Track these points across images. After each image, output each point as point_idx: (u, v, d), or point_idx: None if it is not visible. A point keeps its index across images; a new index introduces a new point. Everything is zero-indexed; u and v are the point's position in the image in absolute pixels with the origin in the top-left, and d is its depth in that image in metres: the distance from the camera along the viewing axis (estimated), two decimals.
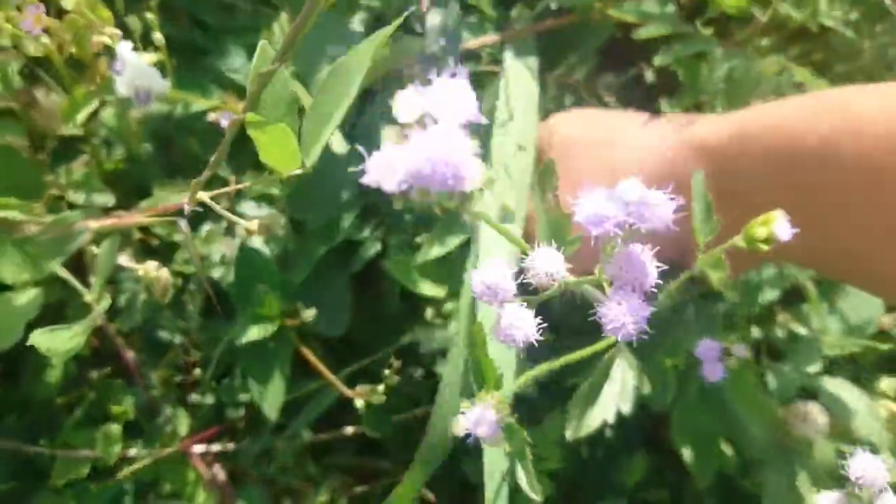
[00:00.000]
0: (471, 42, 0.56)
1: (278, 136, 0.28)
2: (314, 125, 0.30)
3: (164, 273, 0.32)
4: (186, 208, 0.29)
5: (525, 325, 0.22)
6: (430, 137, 0.22)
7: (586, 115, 0.51)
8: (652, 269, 0.23)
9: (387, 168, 0.23)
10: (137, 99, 0.34)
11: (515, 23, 0.59)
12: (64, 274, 0.34)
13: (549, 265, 0.23)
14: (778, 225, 0.30)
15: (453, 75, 0.24)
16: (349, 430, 0.56)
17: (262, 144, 0.29)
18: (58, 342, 0.31)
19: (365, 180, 0.23)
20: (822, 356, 0.58)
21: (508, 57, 0.56)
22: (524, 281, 0.24)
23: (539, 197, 0.30)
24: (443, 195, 0.23)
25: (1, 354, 0.54)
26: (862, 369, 0.64)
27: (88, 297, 0.33)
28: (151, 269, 0.32)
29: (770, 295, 0.58)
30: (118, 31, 0.34)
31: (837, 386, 0.52)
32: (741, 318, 0.57)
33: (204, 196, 0.34)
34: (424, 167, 0.22)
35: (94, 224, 0.33)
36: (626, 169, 0.42)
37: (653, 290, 0.23)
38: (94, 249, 0.33)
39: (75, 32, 0.32)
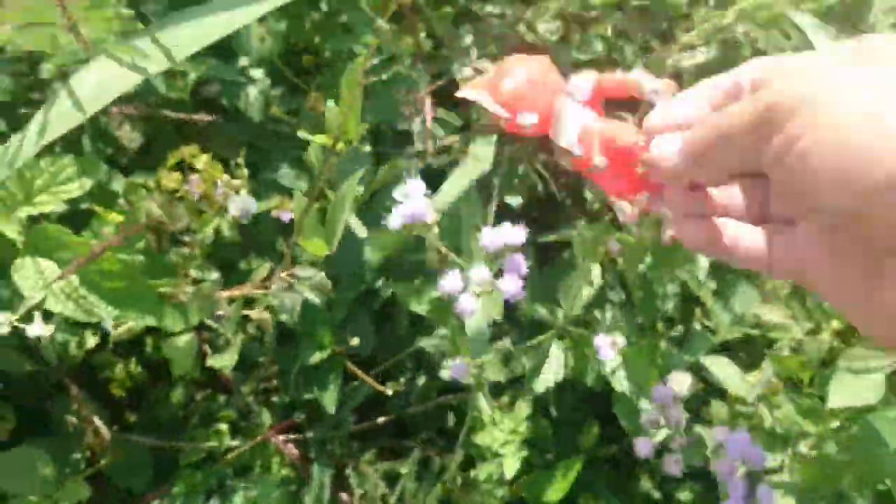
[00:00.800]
0: (445, 139, 0.80)
1: (316, 244, 0.53)
2: (330, 227, 0.54)
3: (266, 314, 0.56)
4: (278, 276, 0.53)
5: (473, 307, 0.46)
6: (410, 203, 0.46)
7: None
8: (524, 267, 0.47)
9: (394, 219, 0.47)
10: (242, 216, 0.58)
11: (476, 123, 0.83)
12: (211, 323, 0.57)
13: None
14: None
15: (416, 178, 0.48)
16: (381, 420, 0.79)
17: (308, 247, 0.53)
18: (224, 361, 0.54)
19: (391, 225, 0.47)
20: (717, 342, 0.80)
21: (472, 146, 0.80)
22: None
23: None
24: (416, 226, 0.47)
25: (130, 390, 0.78)
26: (755, 351, 0.87)
27: (229, 334, 0.56)
28: (258, 313, 0.56)
29: (669, 304, 0.80)
30: (229, 178, 0.58)
31: (715, 361, 0.75)
32: (647, 321, 0.79)
33: (283, 275, 0.58)
34: (409, 214, 0.46)
35: (225, 293, 0.57)
36: None
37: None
38: (226, 307, 0.57)
39: (206, 181, 0.56)
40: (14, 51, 0.44)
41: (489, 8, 0.89)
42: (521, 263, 0.48)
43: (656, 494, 0.90)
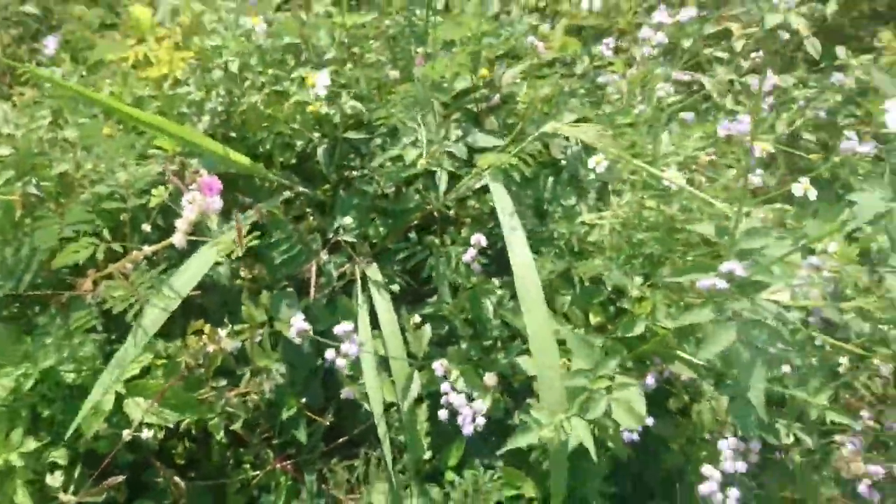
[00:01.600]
0: (341, 269, 1.33)
1: (266, 360, 1.07)
2: (268, 352, 1.08)
3: (257, 397, 1.09)
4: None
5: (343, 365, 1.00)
6: (297, 324, 1.00)
7: None
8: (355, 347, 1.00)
9: (291, 333, 1.01)
10: (232, 351, 1.12)
11: (360, 253, 1.36)
12: (232, 410, 1.10)
13: None
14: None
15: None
16: (340, 440, 1.32)
17: (260, 363, 1.07)
18: (238, 425, 1.08)
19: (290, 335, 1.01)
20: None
21: (359, 271, 1.33)
22: None
23: None
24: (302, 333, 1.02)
25: (186, 457, 1.30)
26: None
27: (240, 413, 1.09)
28: (253, 399, 1.09)
29: (496, 332, 1.34)
30: (224, 333, 1.10)
31: (522, 359, 1.28)
32: (487, 343, 1.33)
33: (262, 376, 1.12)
34: (298, 329, 1.00)
35: (233, 392, 1.10)
36: None
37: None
38: (234, 402, 1.09)
39: (210, 339, 1.09)
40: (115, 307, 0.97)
41: (355, 173, 1.43)
42: (354, 341, 1.01)
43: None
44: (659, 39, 1.13)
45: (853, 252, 1.03)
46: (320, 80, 1.19)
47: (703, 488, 0.95)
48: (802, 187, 0.99)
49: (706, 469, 0.97)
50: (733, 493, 0.95)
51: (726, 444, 0.99)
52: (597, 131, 0.94)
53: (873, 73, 1.02)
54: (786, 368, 1.06)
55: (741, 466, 0.97)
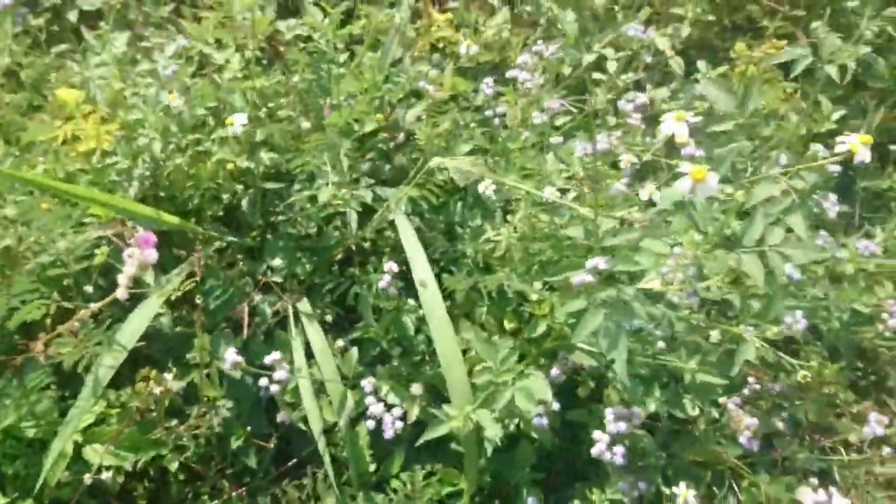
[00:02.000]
0: (274, 307, 1.46)
1: (212, 393, 1.19)
2: (215, 385, 1.20)
3: (207, 431, 1.21)
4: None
5: (276, 392, 1.12)
6: (230, 356, 1.12)
7: None
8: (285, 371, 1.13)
9: (226, 365, 1.13)
10: (178, 391, 1.23)
11: (290, 290, 1.49)
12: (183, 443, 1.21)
13: None
14: None
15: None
16: (291, 463, 1.43)
17: (207, 393, 1.19)
18: (189, 453, 1.19)
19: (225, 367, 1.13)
20: None
21: (291, 307, 1.45)
22: None
23: None
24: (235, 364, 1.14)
25: (146, 498, 1.40)
26: None
27: (191, 446, 1.20)
28: (203, 431, 1.20)
29: (422, 346, 1.48)
30: (169, 377, 1.22)
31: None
32: (414, 359, 1.46)
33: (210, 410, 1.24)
34: (232, 361, 1.13)
35: (182, 427, 1.21)
36: None
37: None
38: (186, 434, 1.20)
39: (157, 382, 1.20)
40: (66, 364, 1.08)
41: (281, 217, 1.56)
42: (286, 368, 1.13)
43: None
44: (524, 77, 1.30)
45: (706, 241, 1.20)
46: (237, 120, 1.34)
47: (594, 450, 1.10)
48: (648, 192, 1.15)
49: (595, 434, 1.12)
50: (619, 450, 1.09)
51: (610, 411, 1.14)
52: (471, 161, 1.10)
53: (707, 88, 1.20)
54: (661, 344, 1.22)
55: (623, 427, 1.11)
